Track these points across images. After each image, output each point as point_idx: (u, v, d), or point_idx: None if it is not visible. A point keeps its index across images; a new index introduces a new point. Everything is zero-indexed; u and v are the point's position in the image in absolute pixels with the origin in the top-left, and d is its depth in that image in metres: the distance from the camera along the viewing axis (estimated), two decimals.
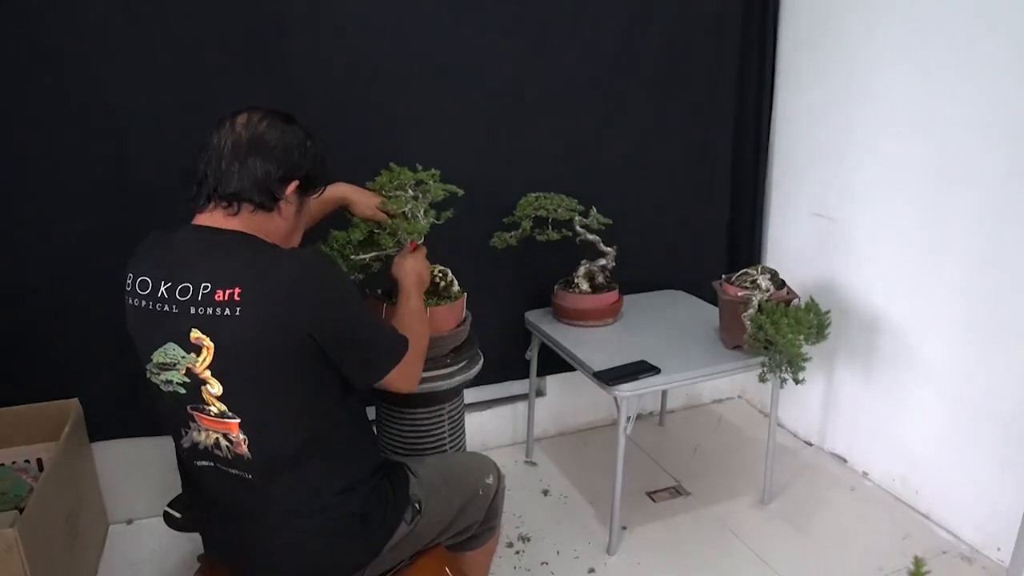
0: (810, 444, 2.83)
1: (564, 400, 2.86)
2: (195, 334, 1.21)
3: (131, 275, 1.30)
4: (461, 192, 1.85)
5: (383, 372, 1.38)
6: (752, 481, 2.55)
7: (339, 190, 1.77)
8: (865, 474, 2.60)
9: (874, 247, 2.45)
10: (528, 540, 2.26)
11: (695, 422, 3.01)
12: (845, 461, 2.69)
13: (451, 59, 2.29)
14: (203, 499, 1.41)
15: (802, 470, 2.65)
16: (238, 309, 1.19)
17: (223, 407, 1.24)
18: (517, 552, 2.21)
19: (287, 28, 2.09)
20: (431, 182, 1.80)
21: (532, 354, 2.54)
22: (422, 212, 1.76)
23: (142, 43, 1.97)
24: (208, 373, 1.23)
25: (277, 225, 1.34)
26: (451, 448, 1.96)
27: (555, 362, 2.41)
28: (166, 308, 1.24)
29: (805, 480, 2.59)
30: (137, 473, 2.31)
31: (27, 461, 2.12)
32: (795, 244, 2.79)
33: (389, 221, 1.74)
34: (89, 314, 2.10)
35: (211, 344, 1.21)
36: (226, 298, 1.19)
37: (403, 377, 1.43)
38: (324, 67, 2.15)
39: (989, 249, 2.07)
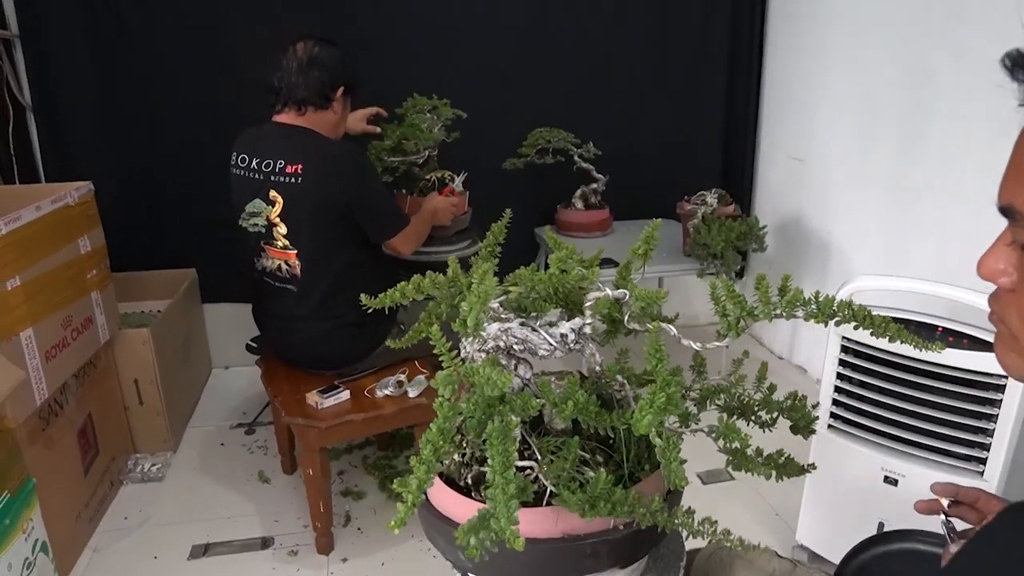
0: (781, 358, 3.31)
1: None
2: (272, 193, 1.92)
3: (234, 153, 2.02)
4: (464, 115, 2.49)
5: (388, 236, 2.05)
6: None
7: None
8: (818, 381, 3.05)
9: (825, 180, 2.90)
10: None
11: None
12: (805, 371, 3.16)
13: (476, 15, 2.92)
14: (264, 307, 2.13)
15: (767, 376, 3.13)
16: (300, 179, 1.88)
17: (287, 242, 1.95)
18: None
19: None
20: (442, 107, 2.44)
21: (540, 261, 3.15)
22: (436, 128, 2.42)
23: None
24: (278, 219, 1.93)
25: (329, 119, 2.02)
26: None
27: None
28: (257, 176, 1.95)
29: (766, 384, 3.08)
30: (237, 331, 3.05)
31: (158, 311, 2.92)
32: (777, 182, 3.26)
33: (378, 130, 2.43)
34: (208, 200, 2.86)
35: (281, 200, 1.92)
36: (292, 171, 1.89)
37: (402, 242, 2.10)
38: (381, 19, 2.83)
39: (900, 173, 2.50)
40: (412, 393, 1.97)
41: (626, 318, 0.96)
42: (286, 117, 1.99)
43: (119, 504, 2.26)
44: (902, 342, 0.87)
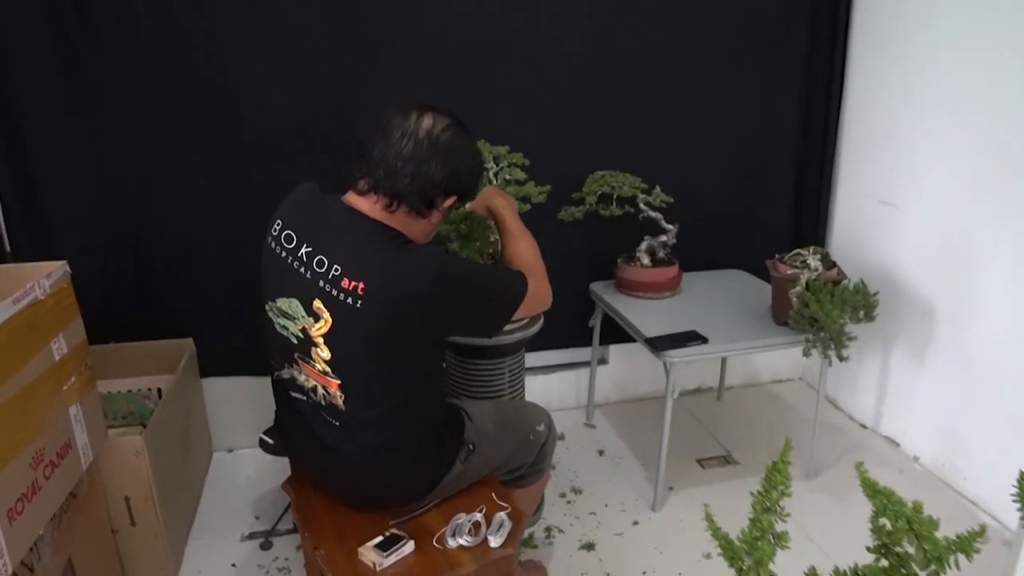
0: (864, 427, 2.90)
1: (625, 369, 3.02)
2: (317, 304, 1.41)
3: (280, 222, 1.49)
4: (528, 162, 2.05)
5: (512, 311, 1.55)
6: (801, 456, 2.65)
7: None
8: (916, 458, 2.66)
9: (930, 233, 2.50)
10: (580, 492, 2.45)
11: (753, 399, 3.11)
12: (898, 445, 2.75)
13: (525, 42, 2.47)
14: (293, 426, 1.65)
15: (852, 450, 2.74)
16: (359, 302, 1.36)
17: (328, 368, 1.45)
18: (569, 502, 2.40)
19: (382, 5, 2.32)
20: (506, 155, 2.01)
21: (595, 322, 2.72)
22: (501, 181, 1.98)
23: (256, 22, 2.24)
24: (321, 340, 1.43)
25: (422, 227, 1.50)
26: (510, 398, 2.17)
27: (618, 332, 2.57)
28: (301, 269, 1.42)
29: (854, 460, 2.67)
30: (239, 408, 2.62)
31: (149, 389, 2.45)
32: (858, 229, 2.85)
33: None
34: (207, 264, 2.42)
35: (329, 319, 1.40)
36: (350, 287, 1.36)
37: (532, 305, 1.60)
38: (406, 40, 2.37)
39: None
40: (494, 542, 1.52)
41: None
42: (365, 204, 1.45)
43: None
44: None
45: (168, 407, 2.16)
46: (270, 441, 2.20)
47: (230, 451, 2.67)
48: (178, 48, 2.21)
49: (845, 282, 2.27)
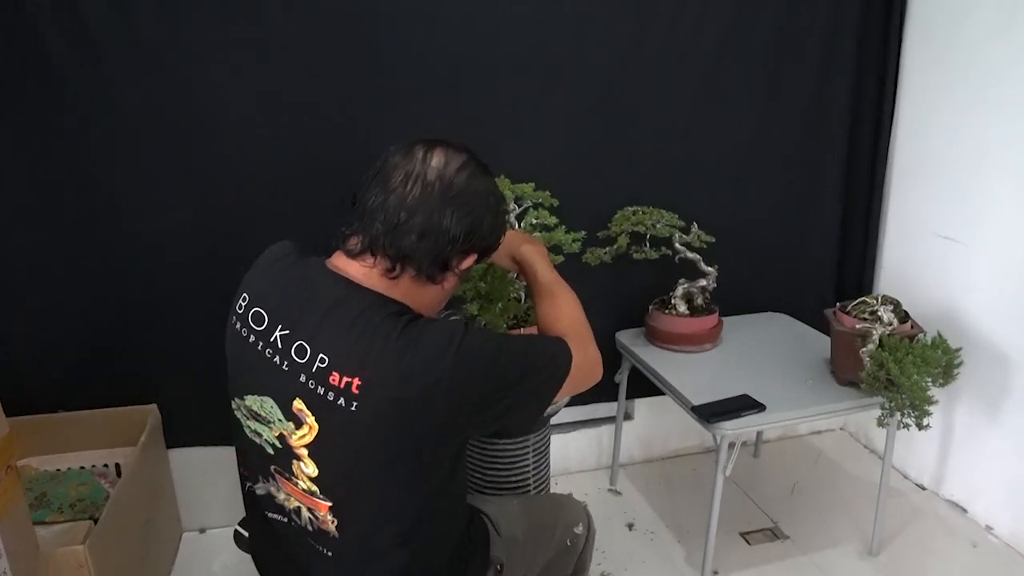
0: (922, 487, 2.57)
1: (652, 425, 2.69)
2: (298, 404, 1.07)
3: (247, 296, 1.15)
4: (556, 203, 1.73)
5: (546, 406, 1.21)
6: (856, 526, 2.33)
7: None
8: (989, 528, 2.34)
9: (1006, 272, 2.19)
10: None
11: (793, 455, 2.79)
12: (965, 511, 2.43)
13: (543, 61, 2.14)
14: (271, 552, 1.32)
15: (914, 518, 2.41)
16: (354, 404, 1.02)
17: (315, 487, 1.11)
18: None
19: (376, 19, 1.99)
20: (531, 194, 1.69)
21: (622, 377, 2.38)
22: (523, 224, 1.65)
23: (230, 40, 1.91)
24: (305, 452, 1.09)
25: (433, 295, 1.17)
26: (535, 483, 1.83)
27: (644, 384, 2.24)
28: (276, 360, 1.09)
29: (918, 530, 2.35)
30: (212, 482, 2.26)
31: (105, 465, 2.10)
32: (914, 268, 2.54)
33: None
34: (171, 321, 2.07)
35: (315, 424, 1.07)
36: (342, 385, 1.03)
37: (580, 380, 1.24)
38: (410, 62, 2.04)
39: None
40: None
41: None
42: (358, 269, 1.12)
43: None
44: None
45: (126, 494, 1.81)
46: (246, 534, 1.85)
47: (202, 531, 2.30)
48: (141, 74, 1.87)
49: (921, 336, 1.95)
